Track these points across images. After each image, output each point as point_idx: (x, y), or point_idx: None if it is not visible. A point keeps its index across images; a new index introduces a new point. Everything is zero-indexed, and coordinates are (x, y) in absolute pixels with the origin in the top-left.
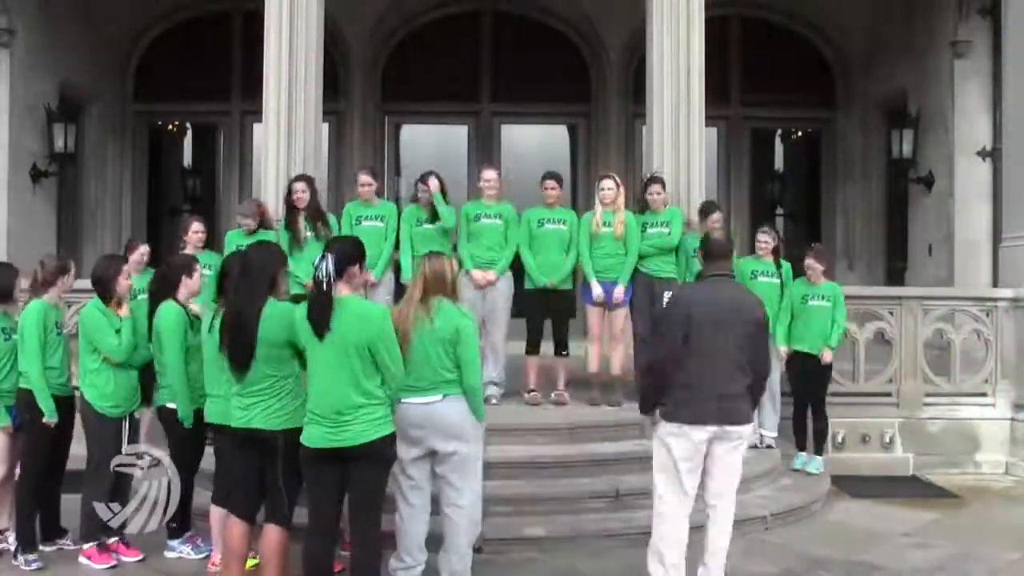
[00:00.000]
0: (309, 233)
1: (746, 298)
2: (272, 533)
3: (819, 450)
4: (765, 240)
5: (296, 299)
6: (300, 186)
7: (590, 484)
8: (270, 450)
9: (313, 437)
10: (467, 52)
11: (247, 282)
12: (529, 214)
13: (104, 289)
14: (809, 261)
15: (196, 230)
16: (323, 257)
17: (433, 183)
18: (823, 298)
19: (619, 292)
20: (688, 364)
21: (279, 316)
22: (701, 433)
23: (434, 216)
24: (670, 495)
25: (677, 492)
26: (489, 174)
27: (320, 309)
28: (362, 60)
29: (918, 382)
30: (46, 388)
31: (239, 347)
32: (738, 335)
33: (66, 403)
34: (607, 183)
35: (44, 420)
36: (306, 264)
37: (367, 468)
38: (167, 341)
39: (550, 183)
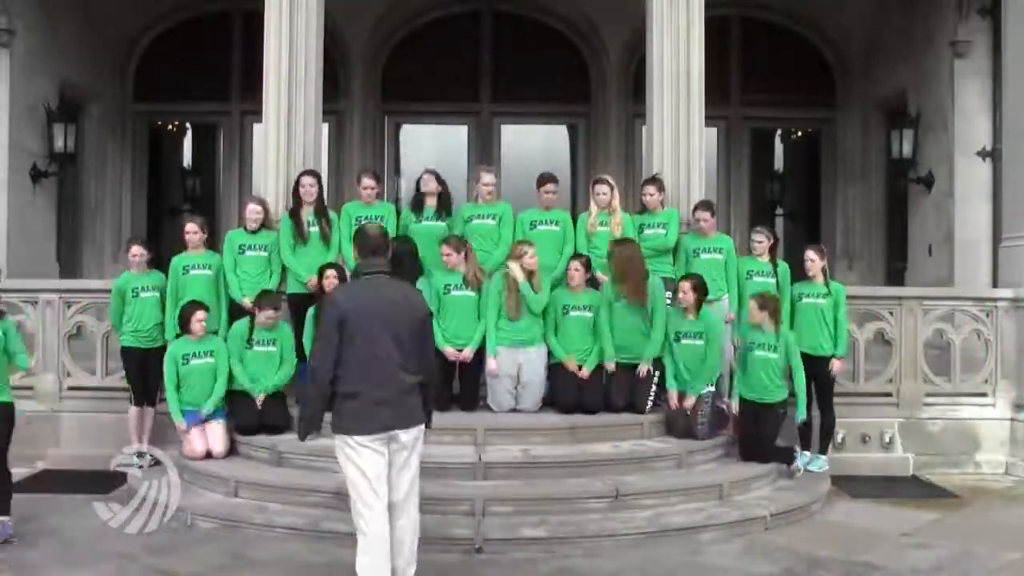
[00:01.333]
0: (313, 228)
1: (406, 295)
2: None
3: (824, 448)
4: (760, 240)
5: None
6: (309, 180)
7: (590, 484)
8: None
9: None
10: (467, 52)
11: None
12: (522, 217)
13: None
14: (809, 254)
15: (189, 230)
16: None
17: None
18: (820, 296)
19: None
20: (350, 370)
21: None
22: (375, 443)
23: (436, 214)
24: (366, 509)
25: (372, 500)
26: (488, 178)
27: None
28: (362, 60)
29: (918, 382)
30: None
31: None
32: (399, 334)
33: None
34: (601, 188)
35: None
36: (308, 260)
37: None
38: None
39: (551, 186)
